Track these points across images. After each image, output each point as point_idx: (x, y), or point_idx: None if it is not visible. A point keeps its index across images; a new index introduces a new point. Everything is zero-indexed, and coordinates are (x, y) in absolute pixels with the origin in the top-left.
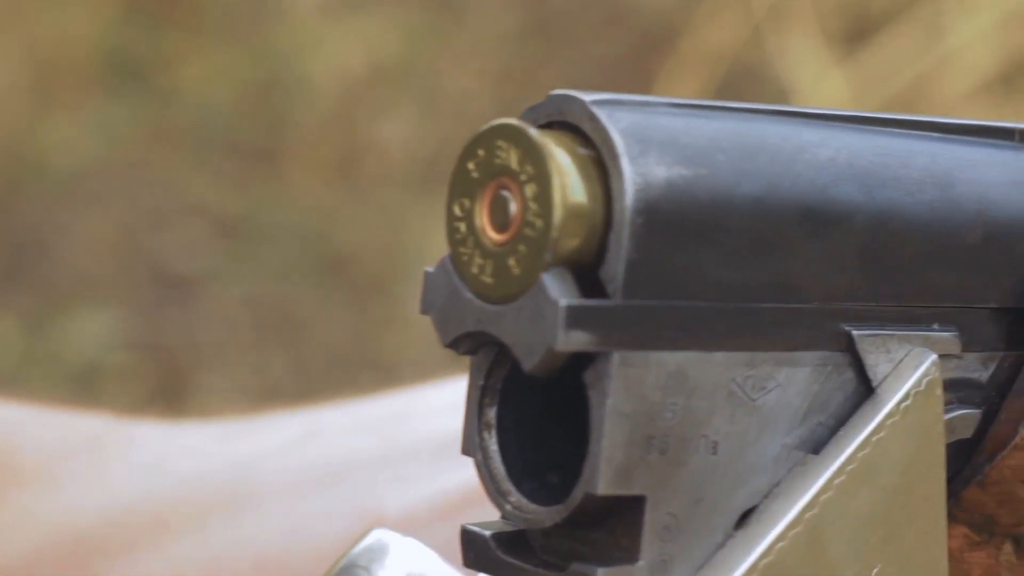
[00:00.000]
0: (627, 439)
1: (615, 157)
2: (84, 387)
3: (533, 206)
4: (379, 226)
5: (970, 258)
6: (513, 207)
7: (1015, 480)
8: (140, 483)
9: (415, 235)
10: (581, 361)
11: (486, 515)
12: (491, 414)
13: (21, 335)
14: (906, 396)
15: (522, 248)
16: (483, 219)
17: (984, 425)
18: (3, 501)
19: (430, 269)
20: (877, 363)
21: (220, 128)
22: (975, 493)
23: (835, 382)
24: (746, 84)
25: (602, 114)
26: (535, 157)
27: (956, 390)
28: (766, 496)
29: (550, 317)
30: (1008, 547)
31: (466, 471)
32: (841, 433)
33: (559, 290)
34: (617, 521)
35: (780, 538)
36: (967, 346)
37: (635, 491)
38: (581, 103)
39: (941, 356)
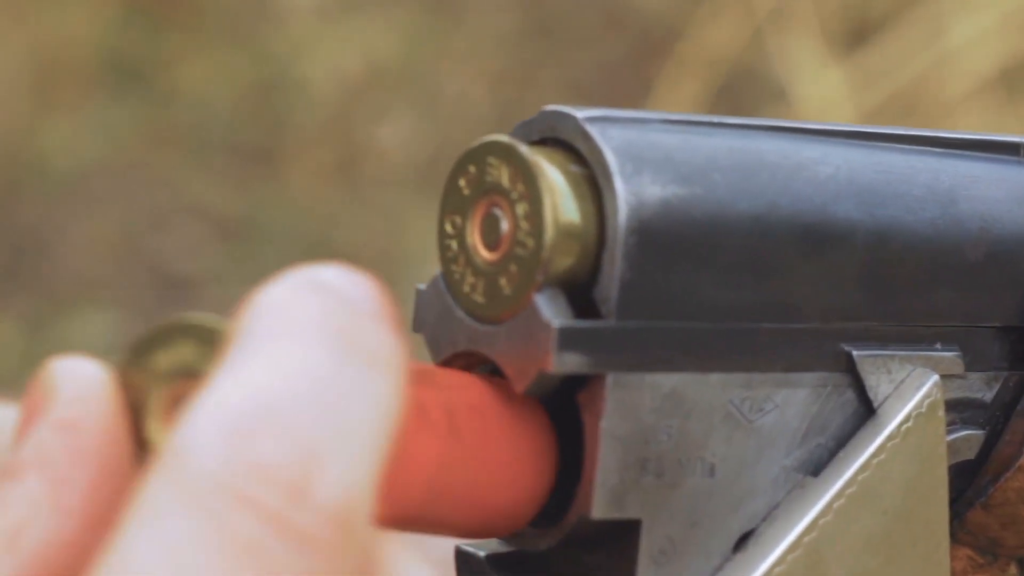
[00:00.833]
0: (621, 462)
1: (608, 176)
2: None
3: (524, 225)
4: (378, 227)
5: (973, 276)
6: (504, 225)
7: (1019, 502)
8: None
9: (414, 236)
10: (574, 382)
11: None
12: None
13: (21, 336)
14: (907, 418)
15: (513, 267)
16: (474, 237)
17: (988, 446)
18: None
19: (422, 286)
20: (878, 384)
21: (220, 129)
22: (979, 515)
23: (835, 403)
24: (746, 86)
25: (595, 132)
26: (526, 175)
27: (959, 410)
28: (764, 519)
29: (543, 339)
30: (1013, 569)
31: None
32: (841, 455)
33: (552, 311)
34: (613, 544)
35: (779, 562)
36: (970, 366)
37: (630, 515)
38: (574, 120)
39: (944, 376)
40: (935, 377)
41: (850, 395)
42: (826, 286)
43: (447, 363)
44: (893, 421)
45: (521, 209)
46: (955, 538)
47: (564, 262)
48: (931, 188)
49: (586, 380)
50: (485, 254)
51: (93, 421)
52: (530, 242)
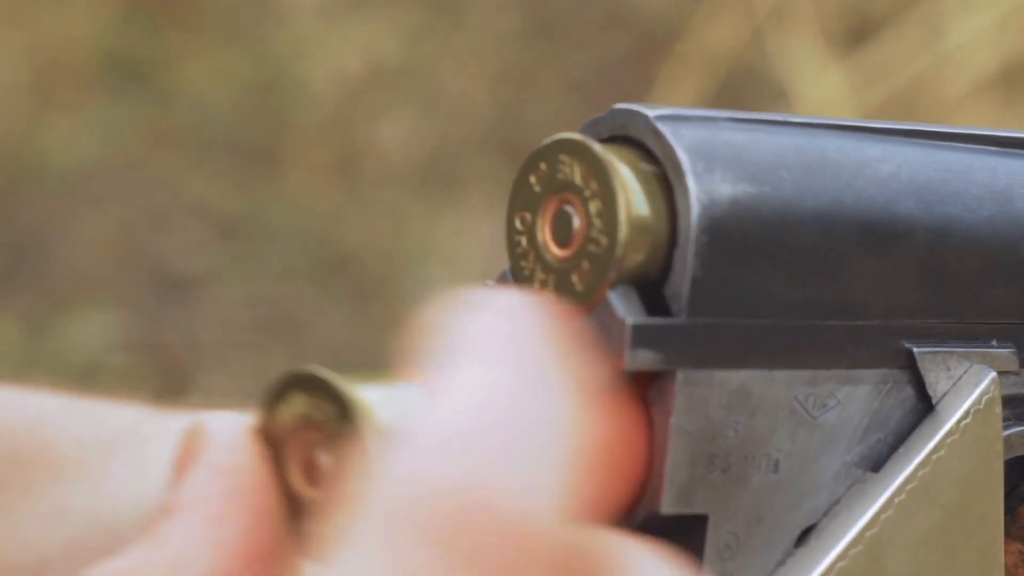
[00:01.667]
0: (690, 458)
1: (681, 175)
2: (85, 388)
3: (597, 223)
4: (379, 226)
5: None
6: (576, 223)
7: None
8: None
9: (415, 235)
10: (640, 378)
11: None
12: None
13: (21, 336)
14: (966, 414)
15: (585, 265)
16: (545, 234)
17: None
18: (41, 493)
19: (490, 282)
20: (937, 380)
21: (220, 129)
22: None
23: (895, 399)
24: (746, 85)
25: (667, 130)
26: (599, 173)
27: (1013, 407)
28: (826, 514)
29: (617, 335)
30: None
31: None
32: (901, 451)
33: (626, 308)
34: (679, 539)
35: (840, 557)
36: None
37: (697, 510)
38: (645, 118)
39: (1000, 373)
40: (992, 374)
41: (909, 391)
42: (888, 283)
43: None
44: (952, 417)
45: (594, 207)
46: (1007, 533)
47: (636, 259)
48: (988, 186)
49: (655, 376)
50: (556, 251)
51: (244, 467)
52: (603, 239)
